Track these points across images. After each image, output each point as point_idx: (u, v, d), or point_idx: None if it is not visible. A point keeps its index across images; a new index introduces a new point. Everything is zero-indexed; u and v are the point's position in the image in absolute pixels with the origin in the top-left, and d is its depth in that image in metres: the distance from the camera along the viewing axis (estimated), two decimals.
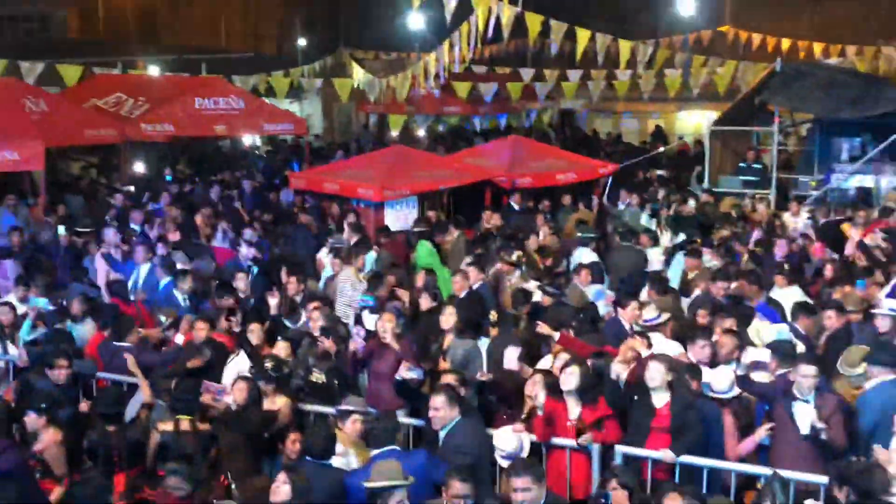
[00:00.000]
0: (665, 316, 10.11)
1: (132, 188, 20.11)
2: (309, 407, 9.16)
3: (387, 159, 18.17)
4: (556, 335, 9.61)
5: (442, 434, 7.71)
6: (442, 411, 7.64)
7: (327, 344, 9.65)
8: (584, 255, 13.88)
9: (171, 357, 9.99)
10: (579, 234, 14.54)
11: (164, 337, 11.01)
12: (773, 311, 10.71)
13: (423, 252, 14.18)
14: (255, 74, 27.95)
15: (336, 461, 7.54)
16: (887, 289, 11.38)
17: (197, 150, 27.94)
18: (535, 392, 8.28)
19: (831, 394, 8.16)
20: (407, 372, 8.68)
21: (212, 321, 10.49)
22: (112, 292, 12.46)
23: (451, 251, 14.70)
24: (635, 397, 8.15)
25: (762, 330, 9.97)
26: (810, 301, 11.29)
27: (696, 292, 11.99)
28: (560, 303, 11.10)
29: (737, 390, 8.49)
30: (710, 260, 13.28)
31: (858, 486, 6.41)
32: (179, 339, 10.43)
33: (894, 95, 19.23)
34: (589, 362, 8.62)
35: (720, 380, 8.44)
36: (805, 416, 7.84)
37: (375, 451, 7.46)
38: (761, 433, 8.17)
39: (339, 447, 7.65)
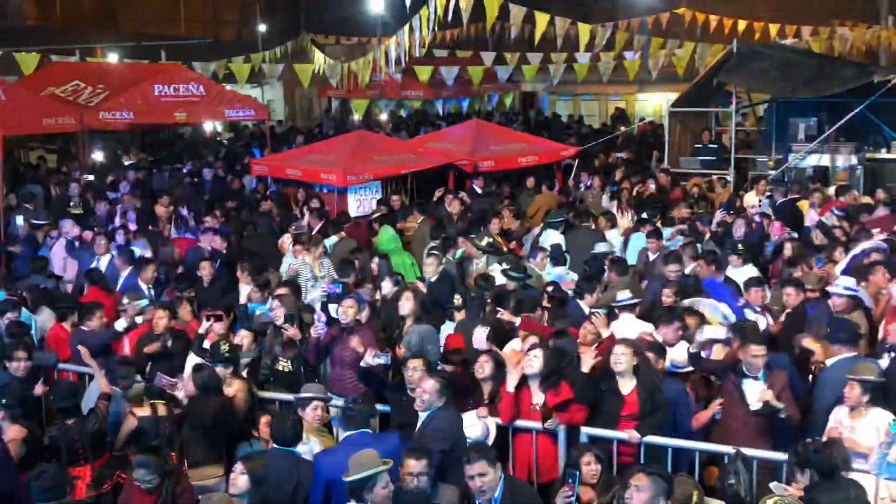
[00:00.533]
0: (638, 297, 10.23)
1: (90, 177, 19.90)
2: (270, 394, 9.17)
3: (349, 144, 18.19)
4: (518, 320, 9.69)
5: (422, 416, 7.70)
6: (429, 395, 7.61)
7: (291, 332, 9.59)
8: (552, 238, 14.01)
9: (107, 338, 10.04)
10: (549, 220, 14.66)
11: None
12: (723, 288, 10.90)
13: (385, 237, 14.20)
14: (215, 60, 27.77)
15: (298, 449, 7.51)
16: (842, 265, 11.59)
17: (157, 138, 27.75)
18: (486, 373, 8.33)
19: (781, 370, 8.30)
20: (373, 358, 8.63)
21: (173, 310, 10.44)
22: (91, 280, 12.31)
23: (415, 236, 14.75)
24: (602, 387, 8.16)
25: (695, 304, 10.15)
26: (762, 277, 11.51)
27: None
28: (525, 286, 11.21)
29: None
30: (672, 239, 13.47)
31: (820, 466, 6.50)
32: (120, 324, 10.31)
33: (849, 75, 19.41)
34: (550, 343, 8.70)
35: (681, 354, 8.59)
36: (754, 392, 8.01)
37: (348, 433, 7.47)
38: (715, 407, 8.32)
39: (303, 446, 7.60)
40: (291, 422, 7.45)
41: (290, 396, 8.69)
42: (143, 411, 8.33)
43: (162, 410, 8.37)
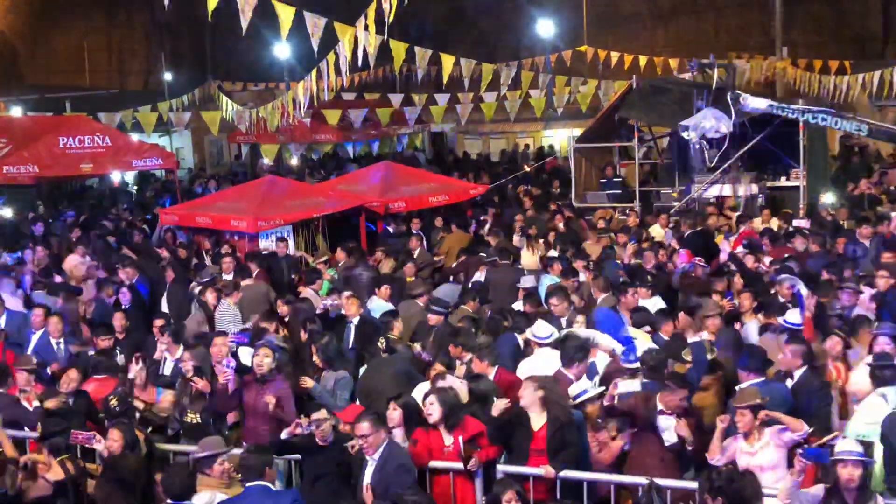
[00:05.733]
0: (556, 334, 10.17)
1: None
2: (173, 447, 9.09)
3: (259, 190, 18.19)
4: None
5: (376, 457, 7.67)
6: (371, 437, 7.62)
7: (200, 384, 9.44)
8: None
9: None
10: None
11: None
12: (612, 317, 11.06)
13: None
14: (121, 110, 27.47)
15: None
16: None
17: (64, 191, 27.35)
18: (394, 421, 8.29)
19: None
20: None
21: (85, 370, 10.21)
22: None
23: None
24: (512, 421, 8.22)
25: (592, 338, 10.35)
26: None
27: None
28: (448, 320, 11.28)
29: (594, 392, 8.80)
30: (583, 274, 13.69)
31: (731, 495, 6.66)
32: None
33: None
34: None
35: (580, 385, 8.76)
36: (670, 427, 8.11)
37: (248, 485, 7.35)
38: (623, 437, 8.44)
39: (206, 495, 7.50)
40: (183, 475, 7.39)
41: (193, 448, 8.51)
42: (56, 475, 8.16)
43: (71, 467, 8.22)
